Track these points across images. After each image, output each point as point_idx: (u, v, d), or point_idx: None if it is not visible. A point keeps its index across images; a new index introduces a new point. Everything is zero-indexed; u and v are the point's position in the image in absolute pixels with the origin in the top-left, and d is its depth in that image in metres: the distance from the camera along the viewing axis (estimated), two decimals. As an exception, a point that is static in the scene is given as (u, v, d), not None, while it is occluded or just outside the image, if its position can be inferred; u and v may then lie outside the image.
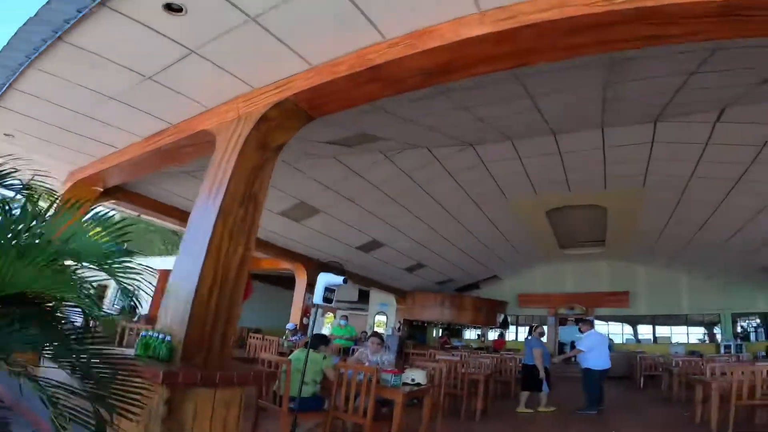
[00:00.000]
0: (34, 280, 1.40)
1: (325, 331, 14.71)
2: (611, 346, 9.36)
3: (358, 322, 14.70)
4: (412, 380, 4.04)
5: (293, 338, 8.46)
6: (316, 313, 2.91)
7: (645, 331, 14.45)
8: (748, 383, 4.39)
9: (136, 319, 5.98)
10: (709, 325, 13.56)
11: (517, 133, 5.51)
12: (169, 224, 7.94)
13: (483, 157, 6.32)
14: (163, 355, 2.25)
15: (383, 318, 15.84)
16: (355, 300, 17.08)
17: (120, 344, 4.62)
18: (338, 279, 2.67)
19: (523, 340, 15.05)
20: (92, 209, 1.77)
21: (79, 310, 1.61)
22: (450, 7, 2.49)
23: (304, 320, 9.41)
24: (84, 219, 1.71)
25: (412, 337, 15.40)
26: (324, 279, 2.71)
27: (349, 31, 2.81)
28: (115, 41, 3.08)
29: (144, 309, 11.31)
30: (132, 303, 1.72)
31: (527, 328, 15.84)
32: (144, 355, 2.29)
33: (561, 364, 9.30)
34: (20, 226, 1.49)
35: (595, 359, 6.39)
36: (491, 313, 15.04)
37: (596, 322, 12.16)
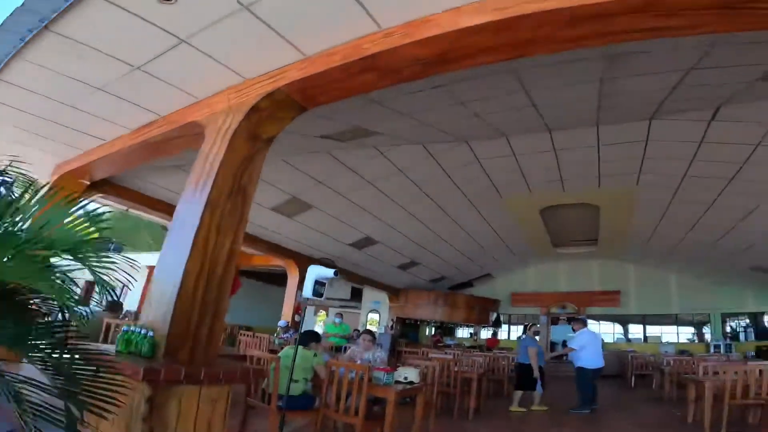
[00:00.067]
0: (3, 270, 1.31)
1: (319, 329, 14.63)
2: (602, 345, 9.38)
3: (351, 320, 14.63)
4: (405, 378, 3.98)
5: (285, 336, 8.36)
6: (305, 309, 2.81)
7: (635, 330, 14.56)
8: (742, 382, 4.39)
9: (122, 315, 5.85)
10: (698, 325, 13.69)
11: (512, 129, 5.46)
12: (157, 218, 7.80)
13: (478, 154, 6.28)
14: (145, 352, 2.15)
15: (376, 316, 15.78)
16: (348, 298, 16.99)
17: (105, 341, 4.50)
18: (329, 272, 2.58)
19: (516, 339, 15.10)
20: (68, 197, 1.67)
21: (55, 303, 1.53)
22: (448, -5, 2.43)
23: (296, 317, 9.32)
24: (59, 206, 1.61)
25: (405, 335, 15.36)
26: (314, 272, 2.61)
27: (343, 21, 2.73)
28: (103, 30, 3.00)
29: (132, 305, 11.16)
30: (110, 295, 1.63)
31: (520, 327, 15.89)
32: (125, 351, 2.20)
33: (553, 363, 9.32)
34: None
35: (588, 358, 6.38)
36: (484, 311, 15.05)
37: (588, 321, 12.19)
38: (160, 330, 2.25)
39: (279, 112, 3.33)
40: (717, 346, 12.15)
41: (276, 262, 10.67)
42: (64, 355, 1.35)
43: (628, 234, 10.53)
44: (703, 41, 3.22)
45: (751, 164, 5.57)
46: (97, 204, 6.35)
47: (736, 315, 13.01)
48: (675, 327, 13.96)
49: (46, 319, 1.56)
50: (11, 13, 2.85)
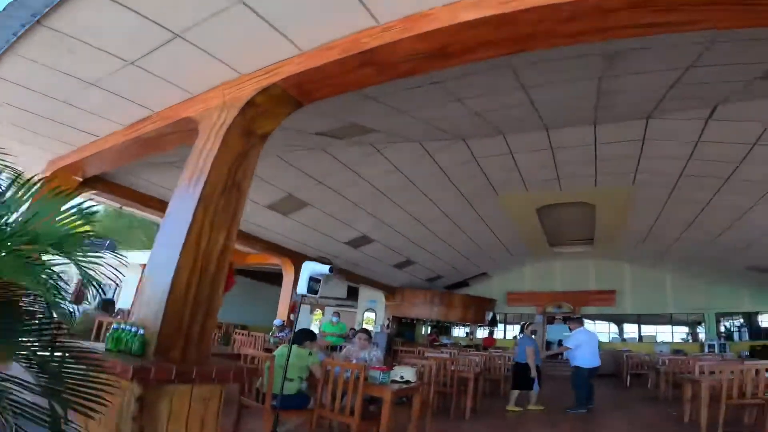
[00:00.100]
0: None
1: (315, 328, 14.57)
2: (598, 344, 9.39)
3: (347, 319, 14.58)
4: (401, 378, 3.95)
5: (280, 334, 8.32)
6: (300, 306, 2.75)
7: (631, 329, 14.62)
8: (738, 382, 4.38)
9: (115, 313, 5.79)
10: (693, 325, 13.76)
11: (510, 127, 5.44)
12: (150, 216, 7.73)
13: (475, 153, 6.25)
14: (135, 350, 2.10)
15: (372, 315, 15.75)
16: (344, 297, 16.96)
17: (97, 339, 4.44)
18: (324, 268, 2.52)
19: (512, 338, 15.13)
20: (55, 190, 1.62)
21: (42, 300, 1.47)
22: (448, -10, 2.39)
23: (292, 316, 9.27)
24: (46, 200, 1.56)
25: (401, 334, 15.34)
26: (309, 268, 2.56)
27: (341, 15, 2.69)
28: (96, 25, 2.94)
29: (126, 303, 11.06)
30: (96, 291, 1.58)
31: (515, 326, 15.92)
32: (115, 349, 2.14)
33: (549, 362, 9.33)
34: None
35: (584, 357, 6.37)
36: (480, 310, 15.06)
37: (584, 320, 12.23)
38: (150, 328, 2.19)
39: (275, 107, 3.29)
40: (711, 346, 12.22)
41: (271, 261, 10.61)
42: (49, 353, 1.30)
43: (624, 233, 10.55)
44: (702, 38, 3.20)
45: (747, 163, 5.58)
46: (90, 201, 6.30)
47: (730, 315, 13.09)
48: (670, 327, 14.03)
49: (38, 316, 1.51)
50: (3, 8, 2.80)
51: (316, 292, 2.57)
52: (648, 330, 14.30)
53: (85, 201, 1.70)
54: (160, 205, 6.83)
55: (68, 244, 1.43)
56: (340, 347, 8.61)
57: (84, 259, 1.43)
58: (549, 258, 14.25)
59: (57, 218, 1.49)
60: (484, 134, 5.63)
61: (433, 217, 8.75)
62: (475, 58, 2.71)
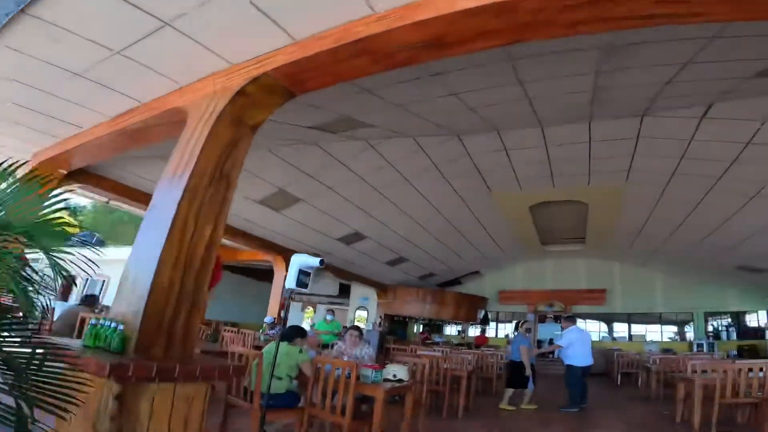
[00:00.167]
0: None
1: (306, 326, 14.45)
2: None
3: (339, 317, 14.50)
4: (394, 376, 3.88)
5: (271, 332, 8.20)
6: (288, 303, 2.66)
7: (620, 328, 14.71)
8: (732, 381, 4.37)
9: (99, 309, 5.64)
10: (681, 324, 13.88)
11: (505, 123, 5.39)
12: (138, 210, 7.58)
13: (469, 149, 6.20)
14: (115, 346, 1.99)
15: (364, 313, 15.67)
16: (336, 294, 16.86)
17: (80, 336, 4.30)
18: (314, 260, 2.41)
19: (504, 336, 15.16)
20: (28, 177, 1.52)
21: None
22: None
23: (283, 313, 9.14)
24: (19, 186, 1.46)
25: (393, 332, 15.29)
26: (298, 260, 2.44)
27: (336, 3, 2.60)
28: (83, 14, 2.83)
29: (111, 300, 10.86)
30: (67, 281, 1.48)
31: (508, 324, 15.95)
32: (93, 345, 2.04)
33: (541, 361, 9.33)
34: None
35: (577, 356, 6.35)
36: (472, 309, 15.06)
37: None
38: (131, 324, 2.09)
39: (266, 97, 3.19)
40: (700, 345, 12.34)
41: (263, 257, 10.49)
42: (16, 349, 1.20)
43: (616, 232, 10.59)
44: (703, 33, 3.17)
45: (739, 163, 5.59)
46: (63, 189, 6.12)
47: (718, 314, 13.22)
48: (659, 326, 14.14)
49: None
50: (-12, -2, 2.70)
51: (305, 286, 2.47)
52: (638, 329, 14.40)
53: (59, 189, 1.60)
54: (147, 200, 6.62)
55: (39, 232, 1.33)
56: (332, 345, 8.51)
57: (55, 248, 1.33)
58: (541, 257, 14.28)
59: (27, 205, 1.39)
60: (479, 130, 5.58)
61: (426, 214, 8.70)
62: (472, 49, 2.64)
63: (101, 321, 2.08)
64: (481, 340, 14.28)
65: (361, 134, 5.42)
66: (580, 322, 13.97)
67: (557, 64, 3.76)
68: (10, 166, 1.56)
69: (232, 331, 7.42)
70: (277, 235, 9.28)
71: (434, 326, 16.72)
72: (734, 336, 12.66)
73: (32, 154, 5.66)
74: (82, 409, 1.62)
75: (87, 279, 13.78)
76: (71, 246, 1.39)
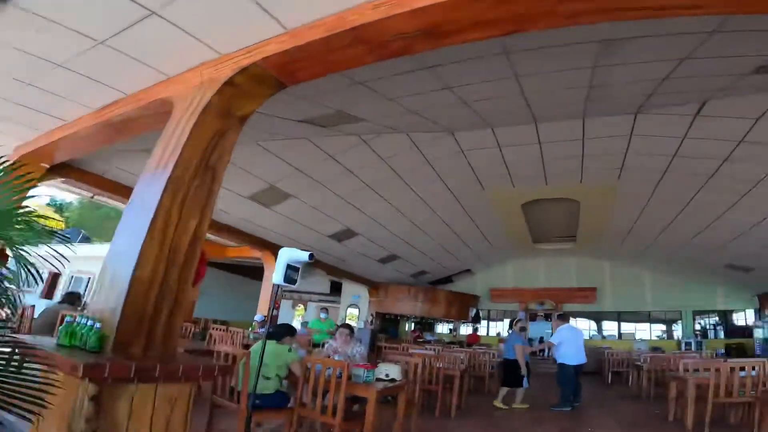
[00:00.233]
0: None
1: (297, 324, 14.32)
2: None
3: (331, 315, 14.41)
4: (387, 376, 3.80)
5: (261, 330, 8.07)
6: (275, 299, 2.55)
7: (610, 327, 14.81)
8: (725, 380, 4.36)
9: (81, 307, 5.48)
10: (669, 322, 14.00)
11: (499, 119, 5.33)
12: (123, 206, 7.39)
13: (462, 146, 6.14)
14: (91, 345, 1.88)
15: (356, 311, 15.58)
16: (327, 292, 16.76)
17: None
18: (303, 254, 2.30)
19: (496, 335, 15.17)
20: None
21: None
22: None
23: (273, 311, 9.01)
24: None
25: (385, 330, 15.22)
26: (286, 255, 2.32)
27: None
28: (66, 2, 2.72)
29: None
30: (30, 273, 1.37)
31: (499, 322, 15.97)
32: (69, 344, 1.92)
33: (532, 359, 9.30)
34: None
35: (570, 354, 6.33)
36: (464, 307, 15.05)
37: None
38: (109, 321, 1.98)
39: (255, 87, 3.08)
40: (688, 344, 12.45)
41: (253, 254, 10.34)
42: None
43: (607, 230, 10.63)
44: (703, 27, 3.13)
45: (731, 161, 5.60)
46: (59, 190, 5.95)
47: (706, 313, 13.36)
48: (648, 324, 14.26)
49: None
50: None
51: (294, 282, 2.36)
52: (627, 327, 14.51)
53: (24, 176, 1.49)
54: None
55: (3, 221, 1.22)
56: (323, 343, 8.41)
57: (19, 238, 1.23)
58: (532, 255, 14.32)
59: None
60: (472, 126, 5.51)
61: (418, 211, 8.63)
62: (469, 38, 2.56)
63: (77, 318, 1.96)
64: (474, 339, 14.26)
65: (353, 129, 5.32)
66: (570, 321, 14.14)
67: (553, 59, 3.70)
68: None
69: (220, 329, 7.28)
70: (267, 232, 9.14)
71: (426, 324, 16.69)
72: (722, 335, 12.80)
73: (13, 148, 5.50)
74: (57, 410, 1.52)
75: (72, 277, 13.50)
76: (47, 242, 1.28)
